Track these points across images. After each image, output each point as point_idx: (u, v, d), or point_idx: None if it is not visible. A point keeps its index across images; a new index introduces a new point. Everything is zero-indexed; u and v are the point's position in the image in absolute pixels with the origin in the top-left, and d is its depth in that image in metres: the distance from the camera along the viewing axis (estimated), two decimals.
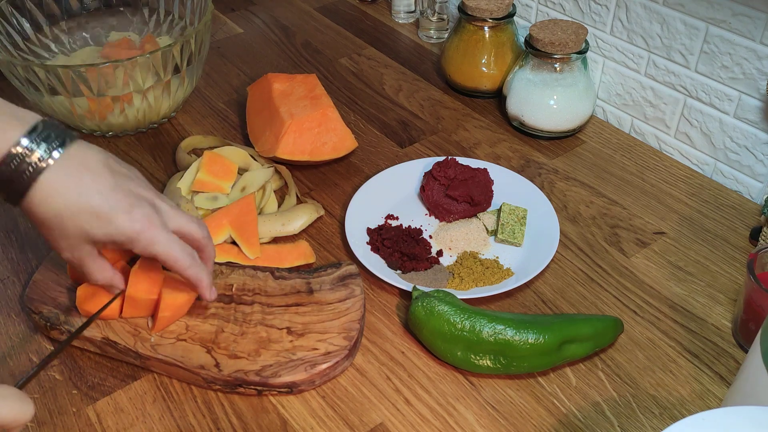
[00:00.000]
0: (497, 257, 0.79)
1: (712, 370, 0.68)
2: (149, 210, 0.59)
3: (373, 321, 0.73)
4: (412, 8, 1.26)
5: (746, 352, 0.69)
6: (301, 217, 0.82)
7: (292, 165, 0.91)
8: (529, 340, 0.64)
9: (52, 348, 0.70)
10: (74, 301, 0.69)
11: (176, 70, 0.93)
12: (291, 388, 0.65)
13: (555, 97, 0.94)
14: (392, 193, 0.88)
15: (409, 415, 0.64)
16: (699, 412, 0.45)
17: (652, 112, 0.97)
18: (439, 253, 0.80)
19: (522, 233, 0.80)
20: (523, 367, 0.66)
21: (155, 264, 0.66)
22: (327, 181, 0.91)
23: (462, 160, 0.88)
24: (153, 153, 0.96)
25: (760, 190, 0.88)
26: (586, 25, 0.98)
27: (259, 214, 0.83)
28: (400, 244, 0.79)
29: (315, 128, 0.89)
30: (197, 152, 0.94)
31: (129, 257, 0.70)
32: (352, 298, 0.71)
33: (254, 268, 0.75)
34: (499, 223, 0.81)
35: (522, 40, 1.03)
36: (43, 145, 0.55)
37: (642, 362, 0.69)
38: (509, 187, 0.87)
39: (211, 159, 0.85)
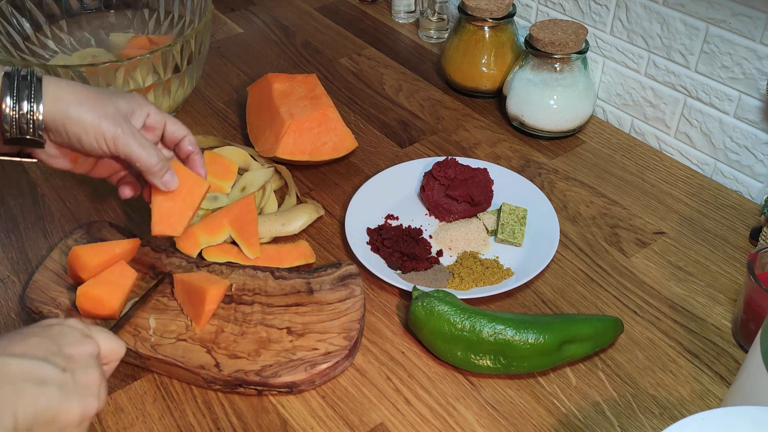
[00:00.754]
0: (497, 257, 0.79)
1: (712, 370, 0.68)
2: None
3: (373, 321, 0.73)
4: (412, 8, 1.26)
5: (746, 352, 0.69)
6: (301, 217, 0.82)
7: (292, 165, 0.91)
8: (529, 340, 0.64)
9: None
10: (74, 301, 0.69)
11: (176, 69, 0.93)
12: (291, 388, 0.65)
13: (555, 97, 0.94)
14: (392, 193, 0.88)
15: (409, 415, 0.64)
16: (699, 412, 0.45)
17: (652, 112, 0.97)
18: (439, 253, 0.80)
19: (522, 233, 0.80)
20: (523, 367, 0.66)
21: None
22: (327, 181, 0.91)
23: (462, 160, 0.88)
24: None
25: (760, 190, 0.88)
26: (586, 25, 0.98)
27: (259, 214, 0.83)
28: (400, 244, 0.79)
29: (315, 128, 0.88)
30: None
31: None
32: (352, 298, 0.71)
33: (254, 268, 0.75)
34: (499, 223, 0.81)
35: (522, 40, 1.03)
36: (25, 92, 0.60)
37: (642, 362, 0.69)
38: (509, 187, 0.87)
39: (211, 159, 0.85)
